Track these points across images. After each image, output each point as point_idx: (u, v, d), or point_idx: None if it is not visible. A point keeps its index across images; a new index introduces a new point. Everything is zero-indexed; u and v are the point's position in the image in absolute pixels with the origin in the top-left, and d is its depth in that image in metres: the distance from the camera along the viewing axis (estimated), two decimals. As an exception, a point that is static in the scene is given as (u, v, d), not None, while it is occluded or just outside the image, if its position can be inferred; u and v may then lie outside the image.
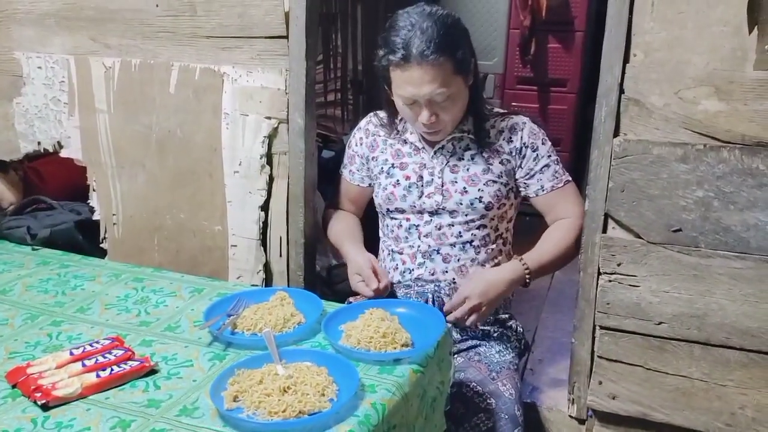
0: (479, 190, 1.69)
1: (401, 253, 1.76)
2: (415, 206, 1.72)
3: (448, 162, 1.71)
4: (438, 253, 1.72)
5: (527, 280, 1.64)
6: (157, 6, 1.99)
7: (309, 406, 1.11)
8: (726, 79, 1.51)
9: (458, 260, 1.70)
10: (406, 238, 1.74)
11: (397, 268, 1.77)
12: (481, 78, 1.75)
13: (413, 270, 1.74)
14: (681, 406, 1.69)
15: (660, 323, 1.66)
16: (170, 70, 2.02)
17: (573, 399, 1.82)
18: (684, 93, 1.54)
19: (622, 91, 1.59)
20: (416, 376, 1.27)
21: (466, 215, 1.70)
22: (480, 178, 1.69)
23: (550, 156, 1.73)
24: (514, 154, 1.71)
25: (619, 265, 1.66)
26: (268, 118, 1.92)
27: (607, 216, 1.66)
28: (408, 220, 1.74)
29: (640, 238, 1.64)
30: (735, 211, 1.55)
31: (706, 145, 1.55)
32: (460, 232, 1.70)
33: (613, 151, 1.62)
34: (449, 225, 1.71)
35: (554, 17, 3.79)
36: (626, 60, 1.57)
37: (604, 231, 1.68)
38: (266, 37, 1.89)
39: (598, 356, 1.74)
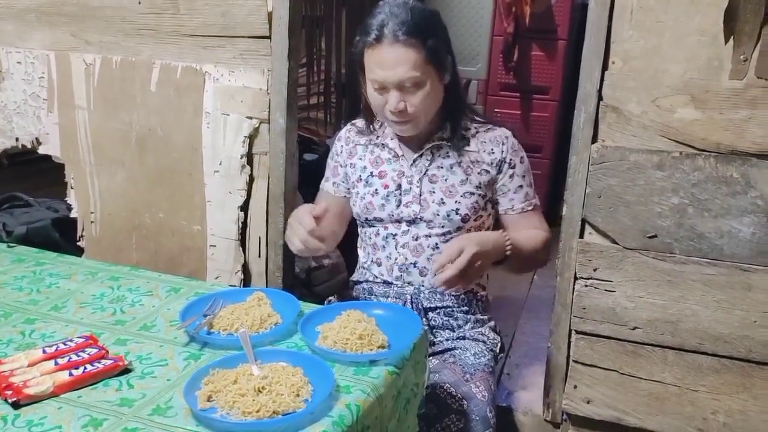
0: (456, 201, 1.68)
1: (379, 265, 1.75)
2: (393, 215, 1.71)
3: (426, 171, 1.70)
4: (415, 266, 1.71)
5: (507, 251, 1.60)
6: (139, 3, 1.98)
7: (283, 406, 1.11)
8: (702, 88, 1.53)
9: (436, 274, 1.69)
10: (384, 247, 1.73)
11: (376, 279, 1.76)
12: (462, 84, 1.76)
13: (391, 282, 1.74)
14: (654, 411, 1.70)
15: (635, 328, 1.68)
16: (152, 68, 2.01)
17: (548, 403, 1.83)
18: (661, 101, 1.57)
19: (600, 98, 1.61)
20: (391, 378, 1.27)
21: (442, 227, 1.69)
22: (457, 189, 1.69)
23: (524, 177, 1.74)
24: (494, 165, 1.71)
25: (595, 270, 1.68)
26: (250, 118, 1.92)
27: (584, 221, 1.68)
28: (386, 228, 1.73)
29: (616, 243, 1.66)
30: (709, 218, 1.57)
31: (682, 152, 1.57)
32: (437, 244, 1.69)
33: (591, 158, 1.63)
34: (426, 236, 1.70)
35: (537, 25, 3.82)
36: (605, 67, 1.59)
37: (581, 236, 1.69)
38: (249, 37, 1.89)
39: (574, 361, 1.76)
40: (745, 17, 1.46)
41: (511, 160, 1.71)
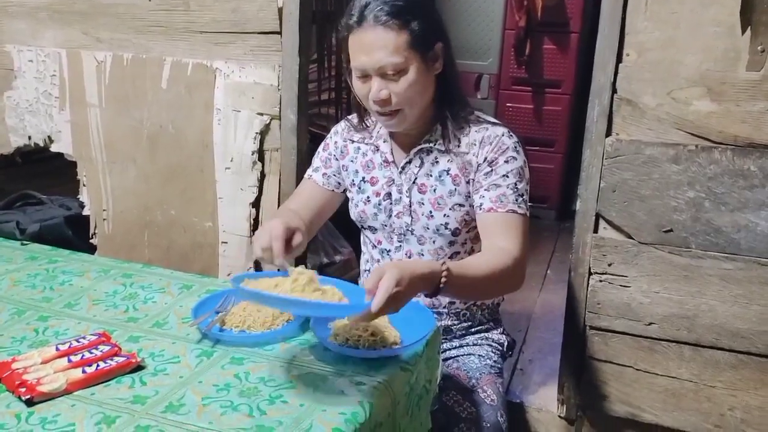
0: (445, 215, 1.56)
1: None
2: (386, 226, 1.63)
3: (415, 180, 1.59)
4: None
5: (442, 282, 1.26)
6: (150, 0, 1.98)
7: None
8: (718, 79, 1.51)
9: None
10: (379, 260, 1.68)
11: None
12: (461, 76, 1.57)
13: None
14: (670, 407, 1.69)
15: (650, 324, 1.66)
16: (162, 65, 2.01)
17: (563, 399, 1.82)
18: (677, 93, 1.54)
19: (614, 90, 1.59)
20: (404, 375, 1.25)
21: (433, 242, 1.60)
22: (446, 201, 1.56)
23: (506, 177, 1.49)
24: (477, 168, 1.53)
25: (609, 265, 1.66)
26: (261, 114, 1.91)
27: (598, 216, 1.66)
28: (379, 242, 1.66)
29: (631, 238, 1.64)
30: (726, 212, 1.55)
31: (698, 145, 1.55)
32: None
33: (605, 151, 1.62)
34: (419, 254, 1.61)
35: (549, 18, 3.80)
36: (619, 59, 1.58)
37: (596, 231, 1.67)
38: (259, 33, 1.88)
39: (588, 356, 1.74)
40: (763, 7, 1.44)
41: (494, 159, 1.51)
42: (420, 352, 1.32)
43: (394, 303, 1.17)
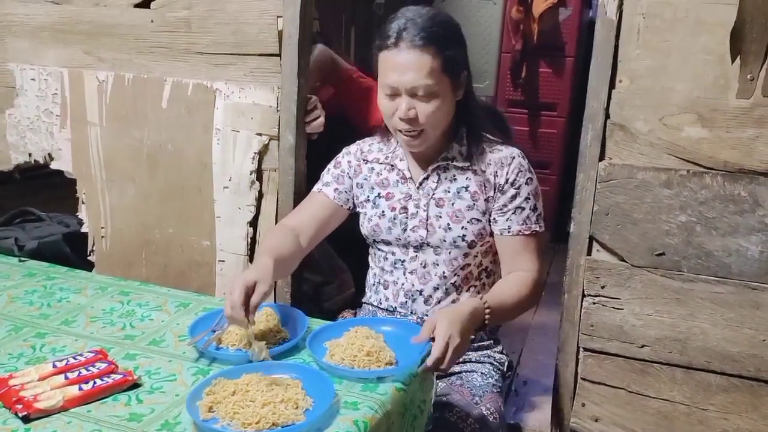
0: (462, 228, 1.62)
1: (386, 287, 1.72)
2: (400, 239, 1.67)
3: (433, 195, 1.65)
4: (421, 294, 1.67)
5: (486, 318, 1.44)
6: (152, 21, 2.01)
7: (283, 418, 1.12)
8: (709, 106, 1.54)
9: (440, 302, 1.66)
10: (392, 271, 1.70)
11: (380, 303, 1.74)
12: (474, 102, 1.65)
13: (395, 308, 1.70)
14: (663, 430, 1.69)
15: (643, 346, 1.67)
16: (163, 85, 2.03)
17: (556, 421, 1.82)
18: (668, 119, 1.57)
19: (607, 116, 1.62)
20: (399, 395, 1.27)
21: (449, 252, 1.64)
22: (464, 215, 1.62)
23: (528, 199, 1.61)
24: (497, 189, 1.62)
25: (603, 287, 1.68)
26: (259, 134, 1.93)
27: (591, 239, 1.68)
28: (393, 254, 1.69)
29: (624, 261, 1.66)
30: (717, 236, 1.57)
31: (689, 170, 1.57)
32: (444, 273, 1.65)
33: (599, 175, 1.64)
34: (434, 263, 1.65)
35: (545, 42, 3.85)
36: (612, 86, 1.60)
37: (589, 253, 1.69)
38: (259, 55, 1.91)
39: (582, 378, 1.75)
40: (752, 37, 1.47)
41: (515, 181, 1.61)
42: (415, 372, 1.34)
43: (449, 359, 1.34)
